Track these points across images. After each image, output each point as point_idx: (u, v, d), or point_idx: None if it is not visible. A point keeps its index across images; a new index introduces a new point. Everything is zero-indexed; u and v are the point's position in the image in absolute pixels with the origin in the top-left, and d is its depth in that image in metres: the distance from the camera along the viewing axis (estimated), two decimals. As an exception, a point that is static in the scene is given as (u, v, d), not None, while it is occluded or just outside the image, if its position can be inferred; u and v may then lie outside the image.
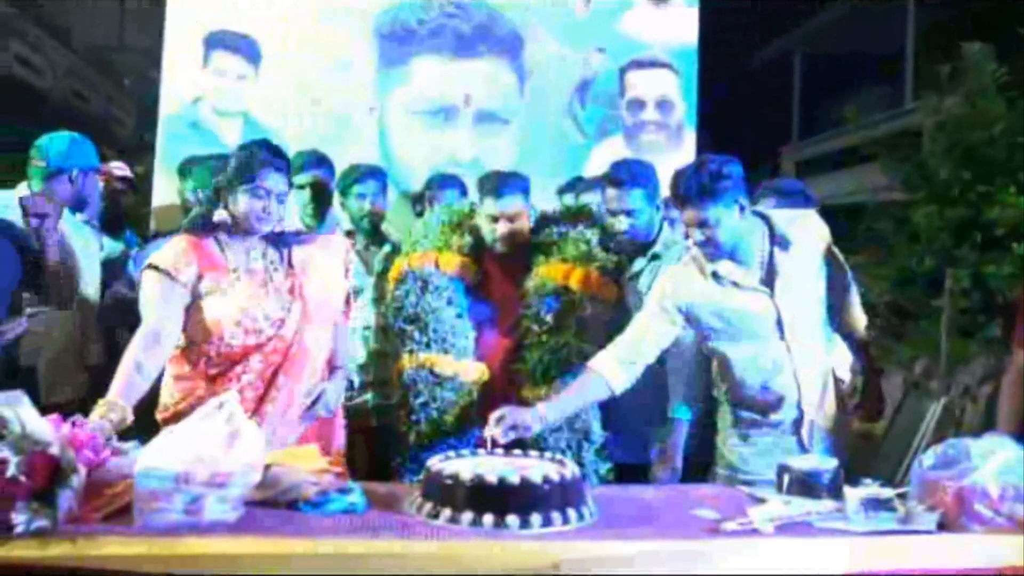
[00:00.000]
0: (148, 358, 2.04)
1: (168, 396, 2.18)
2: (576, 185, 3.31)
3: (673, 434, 2.50)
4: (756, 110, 12.59)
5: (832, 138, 11.76)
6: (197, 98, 3.92)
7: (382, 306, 2.83)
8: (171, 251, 2.13)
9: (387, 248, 3.01)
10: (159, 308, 2.08)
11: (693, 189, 2.17)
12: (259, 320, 2.13)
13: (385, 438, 2.74)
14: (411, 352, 2.55)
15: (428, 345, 2.54)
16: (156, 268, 2.10)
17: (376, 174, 3.12)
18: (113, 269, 3.18)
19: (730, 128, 7.86)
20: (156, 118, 3.91)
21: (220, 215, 2.17)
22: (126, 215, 3.68)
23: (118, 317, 2.83)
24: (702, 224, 2.20)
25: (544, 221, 2.70)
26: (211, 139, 3.84)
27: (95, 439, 1.75)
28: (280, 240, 2.25)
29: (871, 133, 9.75)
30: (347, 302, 2.37)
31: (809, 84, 12.77)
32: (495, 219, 2.57)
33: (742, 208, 2.21)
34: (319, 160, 3.12)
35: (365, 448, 2.73)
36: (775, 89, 13.00)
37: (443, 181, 3.40)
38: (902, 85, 10.56)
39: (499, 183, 2.58)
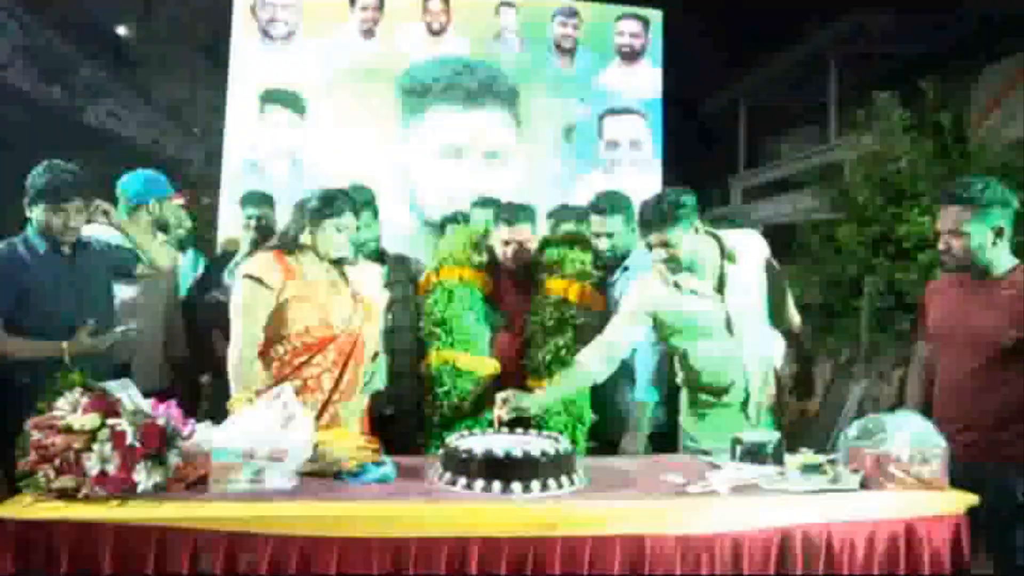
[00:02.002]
0: (253, 353, 2.10)
1: (261, 380, 2.14)
2: (562, 211, 3.29)
3: (637, 412, 2.49)
4: (709, 147, 12.64)
5: (771, 169, 11.79)
6: (254, 143, 3.92)
7: (389, 313, 2.79)
8: (262, 263, 2.16)
9: (389, 264, 2.94)
10: (252, 311, 2.10)
11: (656, 216, 2.17)
12: (334, 318, 2.17)
13: (407, 419, 2.74)
14: (437, 349, 2.54)
15: (452, 344, 2.53)
16: (250, 277, 2.12)
17: (367, 203, 2.76)
18: (204, 281, 3.22)
19: (689, 161, 7.90)
20: (221, 159, 3.92)
21: (305, 239, 2.20)
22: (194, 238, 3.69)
23: (214, 318, 2.84)
24: (664, 244, 2.19)
25: (548, 243, 2.70)
26: (265, 176, 3.85)
27: (183, 417, 1.76)
28: (336, 261, 2.28)
29: (803, 165, 9.80)
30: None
31: (752, 125, 12.80)
32: (507, 242, 2.57)
33: (697, 230, 2.22)
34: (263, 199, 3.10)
35: (394, 427, 2.71)
36: (724, 129, 13.04)
37: (482, 203, 3.35)
38: (827, 126, 10.59)
39: (511, 213, 2.59)
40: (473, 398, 2.51)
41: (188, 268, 3.52)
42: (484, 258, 2.65)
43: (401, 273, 2.84)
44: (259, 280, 2.11)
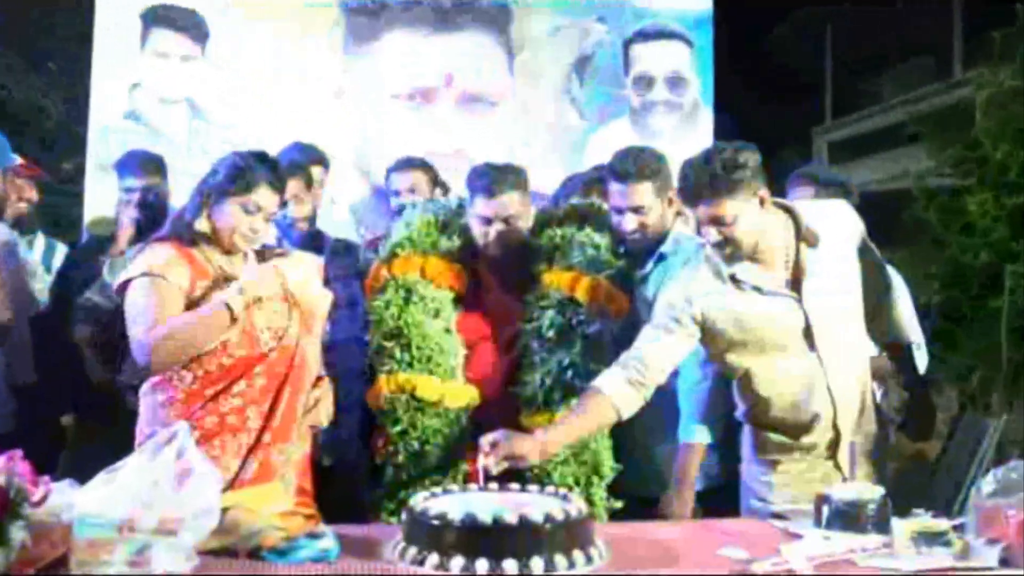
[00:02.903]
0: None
1: (156, 427, 2.13)
2: (571, 181, 3.29)
3: (684, 461, 2.51)
4: (782, 86, 12.61)
5: (870, 117, 11.79)
6: (134, 84, 3.92)
7: (328, 322, 2.84)
8: (161, 256, 2.18)
9: (327, 253, 2.99)
10: (162, 311, 2.12)
11: (704, 182, 2.17)
12: (261, 331, 2.18)
13: (354, 473, 2.74)
14: (390, 372, 2.54)
15: (411, 364, 2.53)
16: (150, 274, 2.14)
17: (298, 171, 2.93)
18: (66, 279, 3.23)
19: (752, 107, 7.90)
20: (87, 107, 3.92)
21: (201, 225, 2.22)
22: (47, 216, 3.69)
23: (91, 329, 2.88)
24: (717, 221, 2.19)
25: (546, 221, 2.70)
26: (151, 131, 3.85)
27: (31, 473, 1.74)
28: (258, 253, 2.30)
29: (914, 111, 9.81)
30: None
31: (843, 56, 12.79)
32: (488, 220, 2.56)
33: (762, 201, 2.22)
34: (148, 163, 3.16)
35: (333, 484, 2.72)
36: (804, 62, 13.02)
37: (404, 165, 3.40)
38: (949, 55, 10.59)
39: (492, 179, 2.56)
40: (441, 442, 2.52)
41: (39, 260, 3.53)
42: (456, 242, 2.65)
43: (344, 266, 2.84)
44: (161, 277, 2.13)
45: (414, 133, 4.03)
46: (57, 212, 4.60)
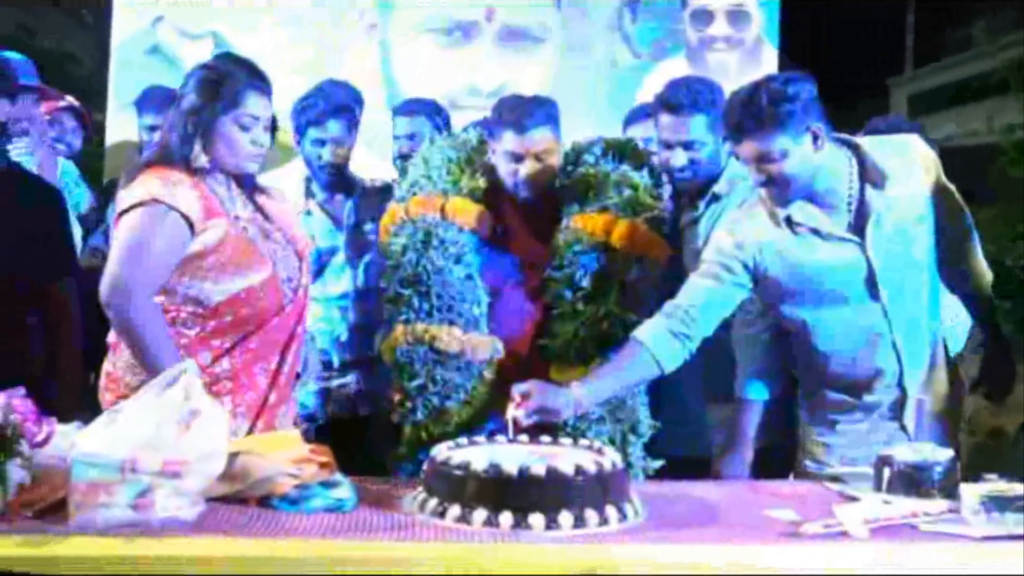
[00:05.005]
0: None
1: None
2: (634, 119, 3.26)
3: (742, 418, 2.48)
4: (858, 28, 12.34)
5: (955, 66, 11.58)
6: (157, 18, 3.93)
7: (360, 266, 2.88)
8: (161, 179, 2.09)
9: (357, 196, 3.02)
10: (160, 252, 2.06)
11: (749, 115, 2.14)
12: (283, 281, 2.19)
13: (372, 430, 2.77)
14: (407, 322, 2.51)
15: (430, 313, 2.50)
16: (150, 202, 2.05)
17: (341, 112, 2.96)
18: (89, 222, 3.31)
19: (822, 48, 7.72)
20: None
21: (198, 159, 2.15)
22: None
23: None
24: (764, 159, 2.16)
25: (578, 159, 2.64)
26: (175, 67, 3.86)
27: (34, 413, 1.77)
28: (242, 186, 2.26)
29: (1002, 60, 9.58)
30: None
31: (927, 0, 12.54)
32: (518, 157, 2.51)
33: (816, 137, 2.17)
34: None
35: (350, 442, 2.74)
36: (881, 6, 12.75)
37: (409, 109, 3.40)
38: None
39: (522, 112, 2.51)
40: (463, 397, 2.50)
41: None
42: (481, 183, 2.61)
43: (379, 208, 2.86)
44: (166, 205, 2.06)
45: (452, 71, 4.03)
46: (86, 165, 4.64)
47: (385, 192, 2.97)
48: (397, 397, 2.55)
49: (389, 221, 2.63)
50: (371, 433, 2.87)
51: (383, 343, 2.60)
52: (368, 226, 2.94)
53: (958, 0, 11.77)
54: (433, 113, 3.43)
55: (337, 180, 3.03)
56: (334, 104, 2.94)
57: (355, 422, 2.94)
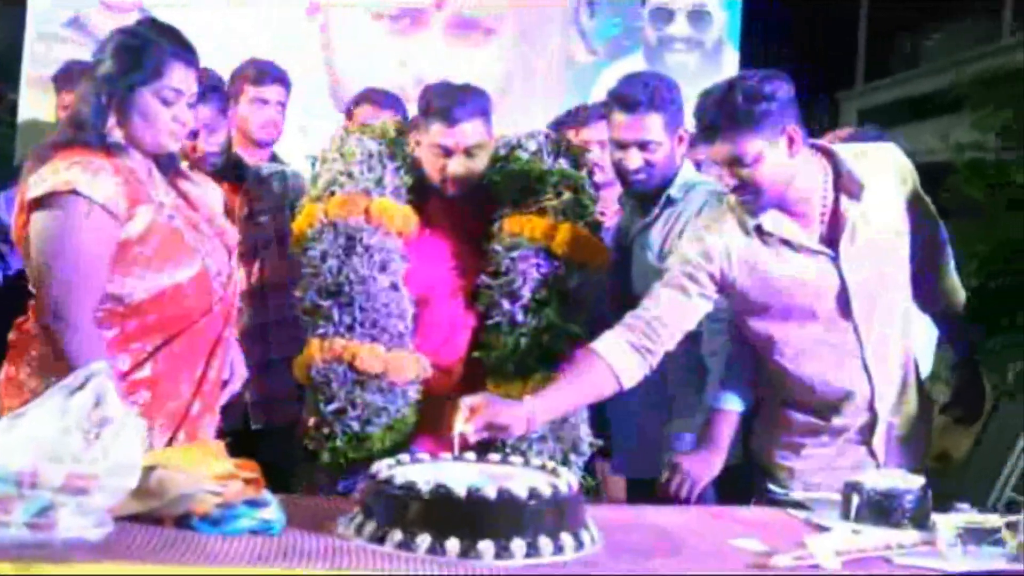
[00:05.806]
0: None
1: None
2: (578, 115, 3.22)
3: (715, 428, 2.40)
4: (809, 45, 12.59)
5: (907, 81, 11.83)
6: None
7: (256, 263, 2.91)
8: (78, 166, 1.95)
9: (249, 185, 2.99)
10: (94, 248, 1.95)
11: (725, 115, 2.11)
12: (214, 275, 2.12)
13: (268, 445, 2.72)
14: (323, 337, 2.41)
15: (351, 328, 2.41)
16: (65, 192, 1.92)
17: (208, 97, 2.79)
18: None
19: (777, 65, 7.84)
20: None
21: (114, 133, 2.05)
22: None
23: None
24: (735, 162, 2.14)
25: (510, 153, 2.57)
26: (96, 41, 3.75)
27: None
28: (163, 170, 2.16)
29: (957, 75, 9.80)
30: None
31: (878, 14, 12.82)
32: (447, 151, 2.44)
33: (792, 140, 2.15)
34: None
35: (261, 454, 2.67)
36: (835, 19, 13.02)
37: (379, 99, 3.36)
38: (999, 15, 10.61)
39: (453, 101, 2.44)
40: (386, 422, 2.42)
41: None
42: (405, 179, 2.53)
43: (273, 195, 2.89)
44: (84, 197, 1.93)
45: (398, 60, 4.03)
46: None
47: (279, 179, 2.95)
48: (312, 421, 2.44)
49: (306, 224, 2.48)
50: (266, 449, 2.75)
51: (296, 359, 2.50)
52: (263, 218, 2.91)
53: (912, 14, 12.07)
54: (394, 105, 3.39)
55: (222, 169, 2.93)
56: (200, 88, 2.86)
57: (247, 436, 2.85)
